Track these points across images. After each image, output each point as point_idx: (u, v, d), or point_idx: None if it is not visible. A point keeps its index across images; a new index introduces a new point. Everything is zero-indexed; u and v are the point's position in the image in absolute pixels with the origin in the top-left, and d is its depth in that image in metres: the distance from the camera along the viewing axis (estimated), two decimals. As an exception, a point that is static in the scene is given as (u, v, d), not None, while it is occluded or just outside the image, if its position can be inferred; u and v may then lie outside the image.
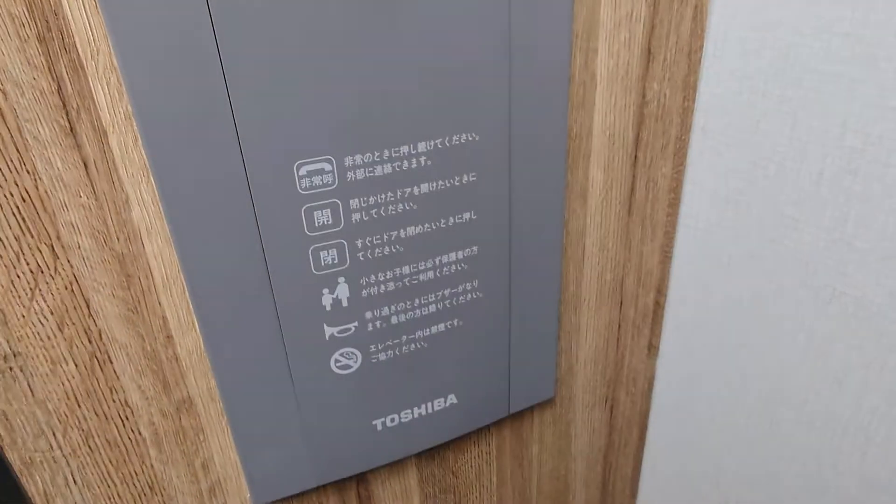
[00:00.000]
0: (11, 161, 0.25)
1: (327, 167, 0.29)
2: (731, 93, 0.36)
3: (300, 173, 0.29)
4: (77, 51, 0.25)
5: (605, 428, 0.50)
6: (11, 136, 0.25)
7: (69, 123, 0.25)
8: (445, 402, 0.39)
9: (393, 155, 0.30)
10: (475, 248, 0.35)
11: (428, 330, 0.36)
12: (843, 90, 0.31)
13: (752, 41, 0.34)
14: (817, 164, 0.33)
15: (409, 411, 0.38)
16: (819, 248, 0.35)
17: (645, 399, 0.50)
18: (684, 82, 0.37)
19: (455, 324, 0.36)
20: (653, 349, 0.48)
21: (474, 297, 0.36)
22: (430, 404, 0.38)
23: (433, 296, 0.35)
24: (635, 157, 0.39)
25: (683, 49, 0.36)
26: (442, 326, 0.36)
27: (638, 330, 0.46)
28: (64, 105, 0.25)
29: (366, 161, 0.30)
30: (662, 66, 0.36)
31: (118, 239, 0.28)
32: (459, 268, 0.35)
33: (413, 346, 0.36)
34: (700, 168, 0.40)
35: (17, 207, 0.26)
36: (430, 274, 0.34)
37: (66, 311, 0.28)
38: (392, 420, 0.38)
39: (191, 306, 0.30)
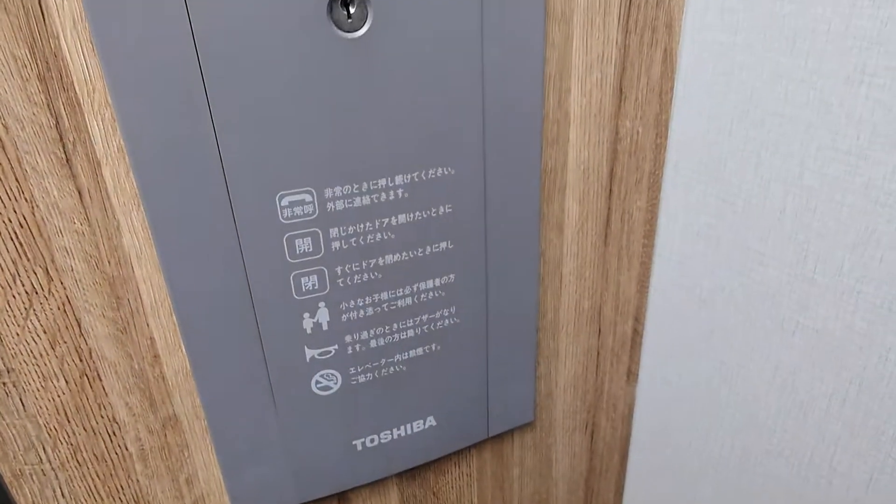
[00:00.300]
0: (10, 189, 0.27)
1: (308, 198, 0.31)
2: (700, 132, 0.38)
3: (282, 204, 0.31)
4: (74, 89, 0.26)
5: (587, 453, 0.51)
6: (11, 167, 0.27)
7: (66, 155, 0.27)
8: (424, 423, 0.40)
9: (371, 187, 0.32)
10: (452, 276, 0.37)
11: (406, 354, 0.37)
12: (800, 133, 0.33)
13: (718, 84, 0.36)
14: (780, 201, 0.35)
15: (389, 432, 0.39)
16: (783, 283, 0.36)
17: (625, 424, 0.51)
18: (656, 120, 0.39)
19: (433, 348, 0.38)
20: (632, 375, 0.49)
21: (452, 322, 0.38)
22: (409, 426, 0.40)
23: (411, 321, 0.37)
24: (610, 190, 0.40)
25: (654, 89, 0.38)
26: (420, 350, 0.38)
27: (617, 357, 0.47)
28: (61, 138, 0.27)
29: (345, 193, 0.32)
30: (634, 105, 0.38)
31: (109, 263, 0.30)
32: (437, 294, 0.37)
33: (392, 368, 0.37)
34: (673, 202, 0.41)
35: (15, 232, 0.28)
36: (409, 300, 0.36)
37: (59, 330, 0.30)
38: (372, 440, 0.39)
39: (177, 328, 0.32)
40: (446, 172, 0.34)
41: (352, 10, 0.28)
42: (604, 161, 0.39)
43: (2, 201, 0.27)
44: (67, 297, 0.30)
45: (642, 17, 0.36)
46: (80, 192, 0.28)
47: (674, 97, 0.39)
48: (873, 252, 0.31)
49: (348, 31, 0.28)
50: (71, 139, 0.27)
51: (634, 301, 0.45)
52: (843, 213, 0.32)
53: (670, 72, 0.38)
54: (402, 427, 0.40)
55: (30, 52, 0.25)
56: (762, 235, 0.37)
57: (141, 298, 0.31)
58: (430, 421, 0.40)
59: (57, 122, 0.27)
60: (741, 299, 0.39)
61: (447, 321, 0.38)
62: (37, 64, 0.26)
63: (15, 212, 0.27)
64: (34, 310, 0.29)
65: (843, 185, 0.31)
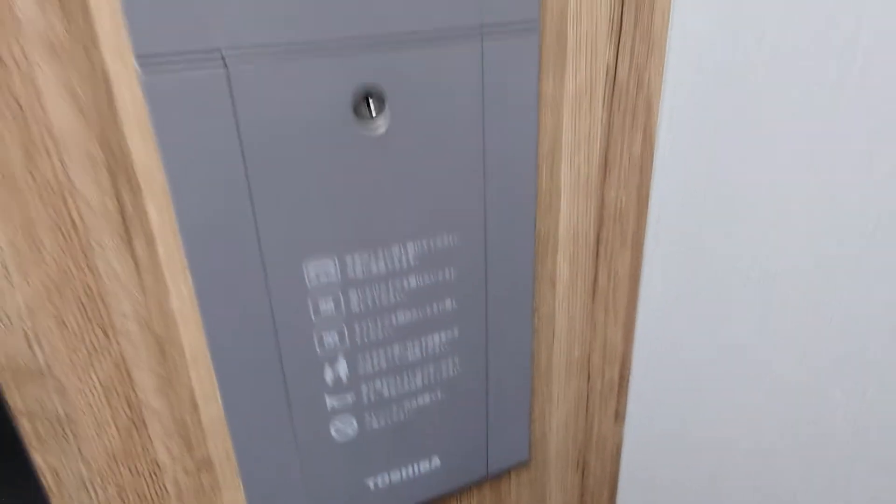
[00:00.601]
0: (79, 262, 0.31)
1: (331, 265, 0.35)
2: (677, 203, 0.43)
3: (308, 270, 0.35)
4: (137, 178, 0.31)
5: (578, 489, 0.55)
6: (80, 244, 0.31)
7: (127, 234, 0.32)
8: (430, 464, 0.44)
9: (386, 255, 0.37)
10: (456, 331, 0.41)
11: (415, 400, 0.42)
12: (757, 215, 0.38)
13: (693, 158, 0.41)
14: (746, 269, 0.40)
15: (399, 472, 0.43)
16: (751, 335, 0.41)
17: (614, 462, 0.55)
18: (638, 191, 0.44)
19: (438, 395, 0.42)
20: (619, 417, 0.53)
21: (455, 372, 0.42)
22: (416, 466, 0.44)
23: (419, 371, 0.41)
24: (597, 252, 0.45)
25: (636, 164, 0.43)
26: (427, 398, 0.42)
27: (605, 400, 0.52)
28: (123, 220, 0.31)
29: (363, 260, 0.36)
30: (618, 178, 0.43)
31: (159, 324, 0.34)
32: (442, 347, 0.41)
33: (402, 414, 0.41)
34: (654, 263, 0.46)
35: (81, 299, 0.32)
36: (417, 353, 0.40)
37: (113, 383, 0.34)
38: (384, 480, 0.43)
39: (214, 380, 0.36)
40: (452, 240, 0.38)
41: (373, 110, 0.33)
42: (591, 226, 0.44)
43: (72, 272, 0.31)
44: (122, 354, 0.34)
45: (625, 101, 0.41)
46: (137, 265, 0.33)
47: (653, 170, 0.44)
48: (827, 312, 0.36)
49: (369, 128, 0.33)
50: (132, 221, 0.32)
51: (620, 349, 0.50)
52: (800, 282, 0.37)
53: (650, 148, 0.43)
54: (410, 467, 0.44)
55: (101, 148, 0.30)
56: (729, 298, 0.41)
57: (184, 354, 0.35)
58: (436, 461, 0.44)
59: (121, 207, 0.31)
60: (713, 353, 0.44)
61: (451, 371, 0.42)
62: (107, 158, 0.30)
63: (82, 281, 0.32)
64: (94, 366, 0.33)
65: (803, 255, 0.36)
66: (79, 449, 0.34)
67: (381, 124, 0.33)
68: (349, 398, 0.39)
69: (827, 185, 0.34)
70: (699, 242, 0.42)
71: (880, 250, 0.32)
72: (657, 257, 0.45)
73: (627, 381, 0.51)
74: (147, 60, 0.28)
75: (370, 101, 0.33)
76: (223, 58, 0.29)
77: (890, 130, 0.31)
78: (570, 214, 0.43)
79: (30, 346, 0.32)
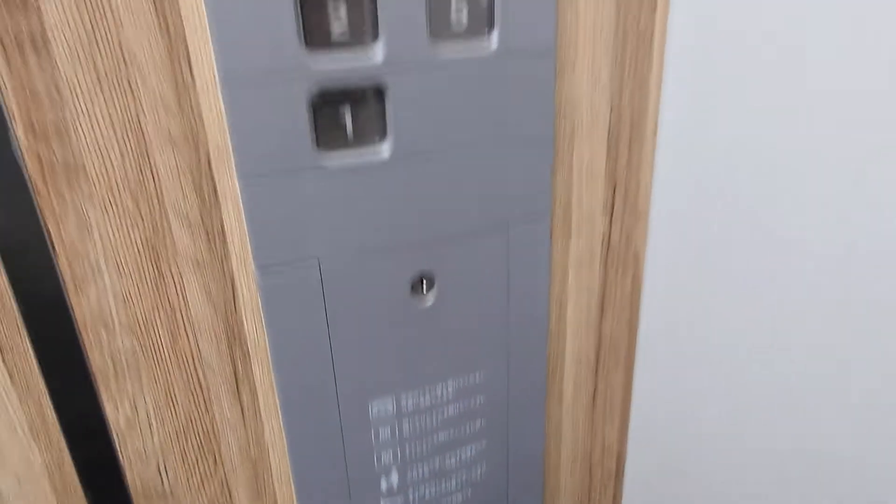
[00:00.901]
0: (201, 411, 0.41)
1: (390, 402, 0.45)
2: (661, 330, 0.53)
3: (372, 407, 0.45)
4: (248, 348, 0.41)
5: (582, 562, 0.64)
6: (203, 398, 0.41)
7: (237, 388, 0.41)
8: (460, 549, 0.53)
9: (431, 392, 0.46)
10: (484, 443, 0.50)
11: (450, 499, 0.51)
12: (736, 351, 0.47)
13: (672, 297, 0.51)
14: (717, 409, 0.49)
15: (434, 557, 0.52)
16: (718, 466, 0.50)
17: (612, 539, 0.65)
18: (629, 323, 0.54)
19: (469, 494, 0.52)
20: (616, 500, 0.62)
21: (483, 475, 0.51)
22: (449, 551, 0.53)
23: (454, 476, 0.50)
24: (596, 371, 0.55)
25: (626, 303, 0.53)
26: (459, 496, 0.51)
27: (605, 488, 0.61)
28: (236, 378, 0.41)
29: (414, 397, 0.46)
30: (613, 314, 0.53)
31: (254, 451, 0.44)
32: (473, 456, 0.50)
33: (439, 512, 0.51)
34: (643, 379, 0.56)
35: (200, 438, 0.41)
36: (453, 463, 0.50)
37: (218, 499, 0.43)
38: (422, 564, 0.52)
39: (294, 494, 0.45)
40: (481, 376, 0.48)
41: (424, 289, 0.43)
42: (591, 353, 0.54)
43: (195, 418, 0.41)
44: (226, 476, 0.43)
45: (616, 257, 0.51)
46: (242, 410, 0.42)
47: (640, 309, 0.54)
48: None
49: (421, 301, 0.43)
50: (241, 378, 0.41)
51: (616, 447, 0.59)
52: (779, 364, 0.46)
53: (637, 290, 0.53)
54: (444, 553, 0.53)
55: (224, 328, 0.40)
56: (712, 416, 0.51)
57: (272, 473, 0.45)
58: (465, 547, 0.54)
59: (234, 368, 0.41)
60: (698, 472, 0.53)
61: (479, 474, 0.51)
62: (227, 334, 0.40)
63: (202, 424, 0.41)
64: (204, 487, 0.43)
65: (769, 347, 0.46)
66: (192, 552, 0.43)
67: (430, 298, 0.43)
68: (399, 501, 0.48)
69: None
70: (681, 366, 0.52)
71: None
72: (645, 376, 0.55)
73: (623, 472, 0.61)
74: (264, 269, 0.38)
75: (423, 282, 0.43)
76: (319, 261, 0.39)
77: None
78: (574, 345, 0.52)
79: (159, 475, 0.41)
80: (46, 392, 0.37)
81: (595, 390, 0.56)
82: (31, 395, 0.37)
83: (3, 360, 0.35)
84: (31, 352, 0.36)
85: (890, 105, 0.33)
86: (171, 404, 0.40)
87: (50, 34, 0.30)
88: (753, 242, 0.43)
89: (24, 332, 0.35)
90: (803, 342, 0.42)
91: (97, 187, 0.33)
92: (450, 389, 0.47)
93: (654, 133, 0.47)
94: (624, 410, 0.58)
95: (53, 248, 0.34)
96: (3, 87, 0.30)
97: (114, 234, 0.35)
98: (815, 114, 0.36)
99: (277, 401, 0.43)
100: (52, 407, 0.37)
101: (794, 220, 0.40)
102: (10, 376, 0.36)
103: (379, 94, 0.37)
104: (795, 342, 0.42)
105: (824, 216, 0.38)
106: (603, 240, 0.50)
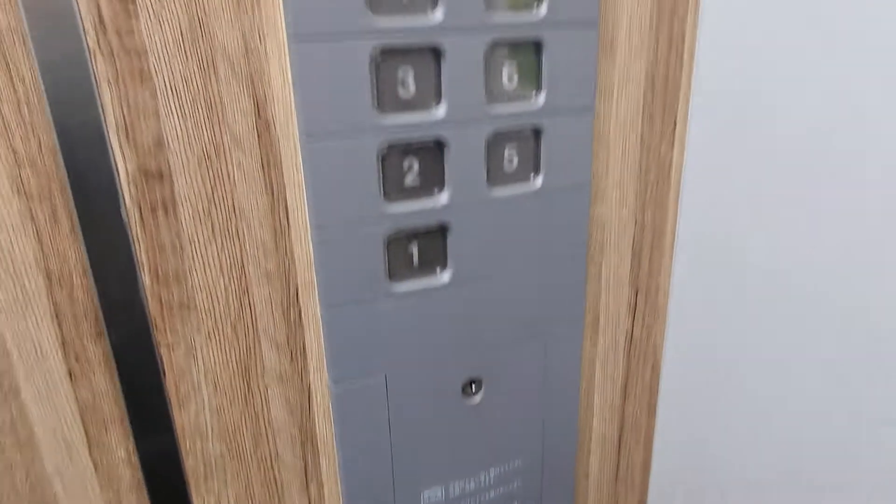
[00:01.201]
0: (275, 502, 0.46)
1: (439, 491, 0.50)
2: (679, 414, 0.58)
3: (424, 495, 0.49)
4: (318, 446, 0.46)
5: None
6: (278, 492, 0.45)
7: (306, 481, 0.46)
8: None
9: (475, 479, 0.51)
10: (519, 521, 0.55)
11: (487, 574, 0.55)
12: (757, 397, 0.53)
13: (691, 373, 0.56)
14: (739, 472, 0.55)
15: None
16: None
17: None
18: (648, 406, 0.59)
19: (504, 568, 0.56)
20: (635, 565, 0.67)
21: (517, 550, 0.56)
22: None
23: (492, 552, 0.55)
24: (619, 450, 0.60)
25: (646, 388, 0.58)
26: (496, 571, 0.56)
27: (624, 553, 0.66)
28: (305, 473, 0.46)
29: (460, 484, 0.51)
30: (634, 399, 0.58)
31: (319, 537, 0.48)
32: (509, 534, 0.55)
33: (478, 585, 0.55)
34: (662, 457, 0.61)
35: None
36: (492, 540, 0.54)
37: (286, 582, 0.48)
38: None
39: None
40: (519, 463, 0.53)
41: (473, 390, 0.48)
42: (615, 434, 0.59)
43: (267, 496, 0.46)
44: (293, 560, 0.48)
45: (638, 350, 0.57)
46: (310, 500, 0.47)
47: (660, 391, 0.59)
48: None
49: (470, 400, 0.48)
50: (311, 472, 0.46)
51: (639, 490, 0.64)
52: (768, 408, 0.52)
53: (657, 377, 0.58)
54: None
55: (300, 431, 0.45)
56: (727, 460, 0.56)
57: (332, 555, 0.49)
58: None
59: (304, 464, 0.46)
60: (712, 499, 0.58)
61: (514, 549, 0.56)
62: (301, 436, 0.45)
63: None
64: (274, 571, 0.47)
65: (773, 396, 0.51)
66: None
67: (478, 398, 0.49)
68: (443, 578, 0.53)
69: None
70: (698, 440, 0.57)
71: None
72: (665, 453, 0.60)
73: (641, 536, 0.66)
74: (338, 380, 0.43)
75: (472, 384, 0.48)
76: (385, 373, 0.44)
77: None
78: (599, 428, 0.58)
79: (236, 561, 0.46)
80: (145, 488, 0.42)
81: (617, 467, 0.61)
82: (134, 494, 0.41)
83: (117, 467, 0.40)
84: (135, 458, 0.40)
85: None
86: (249, 499, 0.45)
87: (178, 198, 0.35)
88: (759, 332, 0.48)
89: (132, 444, 0.40)
90: (809, 409, 0.47)
91: (204, 320, 0.39)
92: (491, 475, 0.52)
93: (672, 244, 0.53)
94: (643, 485, 0.63)
95: (164, 372, 0.39)
96: (137, 241, 0.35)
97: (214, 358, 0.40)
98: (822, 233, 0.42)
99: (340, 491, 0.47)
100: (149, 505, 0.42)
101: (792, 318, 0.45)
102: (120, 482, 0.41)
103: (442, 230, 0.42)
104: (802, 408, 0.47)
105: (829, 315, 0.43)
106: (626, 336, 0.55)
